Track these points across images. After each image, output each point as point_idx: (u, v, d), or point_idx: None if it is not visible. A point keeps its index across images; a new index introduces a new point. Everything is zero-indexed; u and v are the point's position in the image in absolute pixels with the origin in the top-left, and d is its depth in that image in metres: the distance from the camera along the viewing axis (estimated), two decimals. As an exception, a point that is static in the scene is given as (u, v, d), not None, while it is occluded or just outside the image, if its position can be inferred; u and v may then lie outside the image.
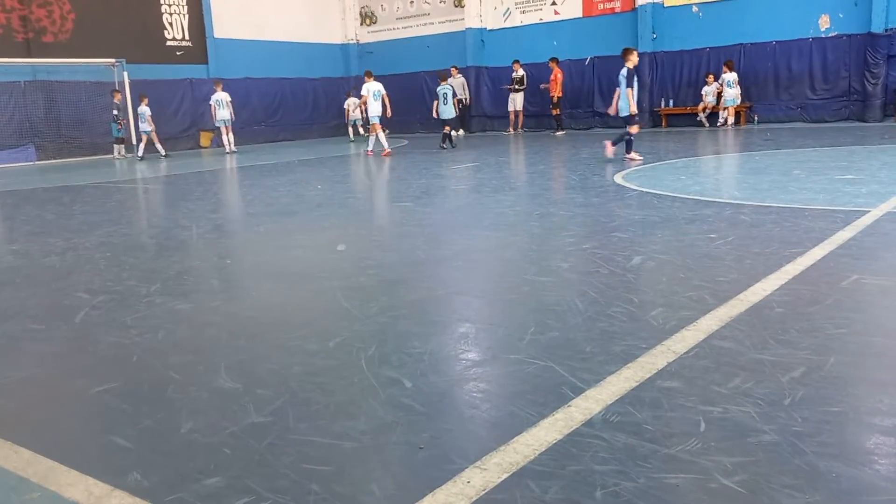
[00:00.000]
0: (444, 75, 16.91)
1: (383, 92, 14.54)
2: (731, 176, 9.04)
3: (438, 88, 15.95)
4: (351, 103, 22.84)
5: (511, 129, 20.40)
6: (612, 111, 11.01)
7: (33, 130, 17.57)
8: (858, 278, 3.81)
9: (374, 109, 14.51)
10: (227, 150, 17.84)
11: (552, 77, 18.99)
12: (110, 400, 2.70)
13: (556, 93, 18.96)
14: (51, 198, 9.99)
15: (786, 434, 2.13)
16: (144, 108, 16.92)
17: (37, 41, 17.62)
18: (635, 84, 10.63)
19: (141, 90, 17.81)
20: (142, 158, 17.11)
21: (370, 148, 15.07)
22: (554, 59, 19.25)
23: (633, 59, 10.59)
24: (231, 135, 18.02)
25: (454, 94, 16.15)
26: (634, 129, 10.77)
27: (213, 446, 2.26)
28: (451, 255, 5.09)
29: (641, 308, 3.50)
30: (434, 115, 16.15)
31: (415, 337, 3.24)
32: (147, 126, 16.99)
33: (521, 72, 20.02)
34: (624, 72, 10.56)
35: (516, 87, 20.06)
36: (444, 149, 15.44)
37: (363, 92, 14.67)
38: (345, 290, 4.12)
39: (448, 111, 15.90)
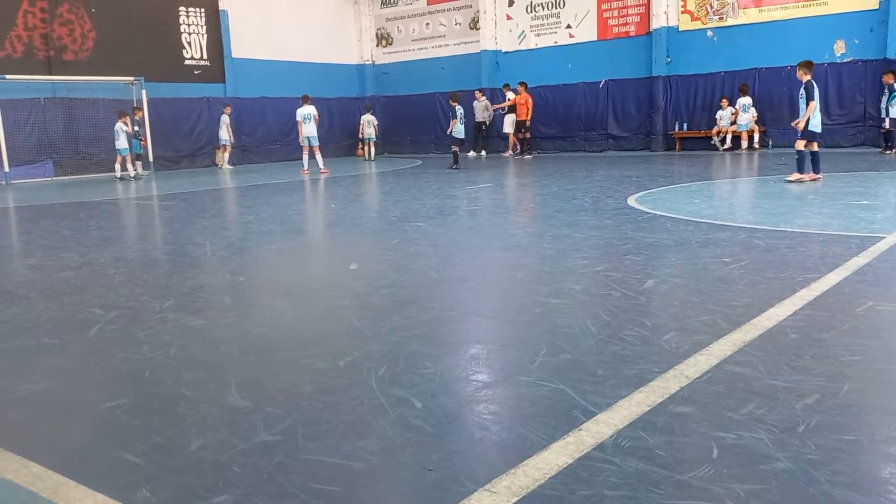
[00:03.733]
0: (455, 96, 17.08)
1: (315, 114, 15.72)
2: (745, 200, 9.01)
3: (456, 108, 16.35)
4: (365, 121, 23.07)
5: (523, 152, 20.49)
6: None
7: (52, 146, 17.78)
8: (874, 305, 3.77)
9: (307, 130, 15.75)
10: (222, 166, 20.17)
11: (521, 101, 19.44)
12: (121, 415, 2.71)
13: (523, 116, 19.46)
14: (67, 213, 10.10)
15: (800, 462, 2.11)
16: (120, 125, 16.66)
17: (58, 59, 17.89)
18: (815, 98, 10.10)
19: (120, 107, 17.35)
20: (134, 176, 16.90)
21: (305, 168, 16.00)
22: (522, 84, 19.73)
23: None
24: (227, 153, 20.32)
25: (473, 116, 16.56)
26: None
27: (222, 464, 2.25)
28: (464, 276, 5.09)
29: (654, 332, 3.48)
30: (449, 132, 16.73)
31: (426, 357, 3.24)
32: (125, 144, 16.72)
33: (511, 95, 20.33)
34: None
35: (506, 108, 20.40)
36: (454, 169, 15.77)
37: (298, 117, 15.82)
38: (356, 310, 4.13)
39: (460, 131, 16.40)
